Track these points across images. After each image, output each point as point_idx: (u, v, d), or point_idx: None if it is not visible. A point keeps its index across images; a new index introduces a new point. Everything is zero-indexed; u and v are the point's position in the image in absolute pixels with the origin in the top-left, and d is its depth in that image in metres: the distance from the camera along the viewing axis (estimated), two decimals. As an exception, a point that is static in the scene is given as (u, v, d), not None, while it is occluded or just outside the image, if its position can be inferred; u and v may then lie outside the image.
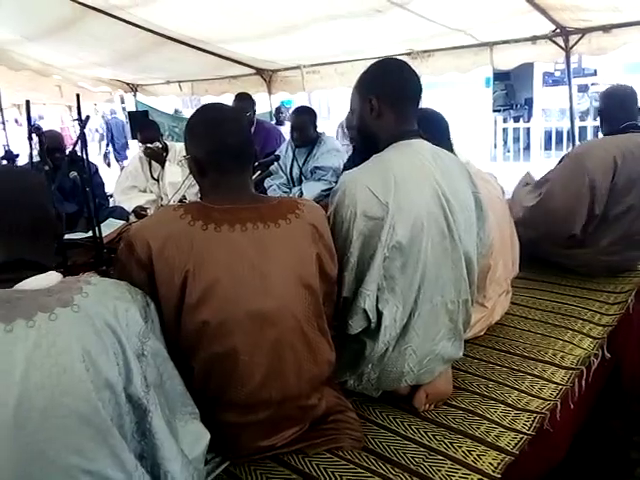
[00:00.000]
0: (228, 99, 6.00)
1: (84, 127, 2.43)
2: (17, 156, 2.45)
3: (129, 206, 3.31)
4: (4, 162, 2.47)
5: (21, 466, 0.87)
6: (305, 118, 3.19)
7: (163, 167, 3.53)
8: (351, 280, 1.41)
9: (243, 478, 1.27)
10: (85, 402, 0.91)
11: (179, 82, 6.11)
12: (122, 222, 2.94)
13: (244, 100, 3.72)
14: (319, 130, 3.32)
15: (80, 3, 4.07)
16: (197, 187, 2.83)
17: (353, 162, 2.71)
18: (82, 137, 2.52)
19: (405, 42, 4.21)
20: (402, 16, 3.58)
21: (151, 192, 3.51)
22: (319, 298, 1.29)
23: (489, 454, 1.30)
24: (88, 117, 2.42)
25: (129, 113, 6.51)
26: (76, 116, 2.42)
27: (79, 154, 2.33)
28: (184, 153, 3.54)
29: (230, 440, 1.26)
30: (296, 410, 1.30)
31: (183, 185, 3.14)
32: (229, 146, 1.24)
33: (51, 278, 1.00)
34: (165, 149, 3.54)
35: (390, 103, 1.44)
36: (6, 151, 2.39)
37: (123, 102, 9.35)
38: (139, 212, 3.28)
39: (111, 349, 0.95)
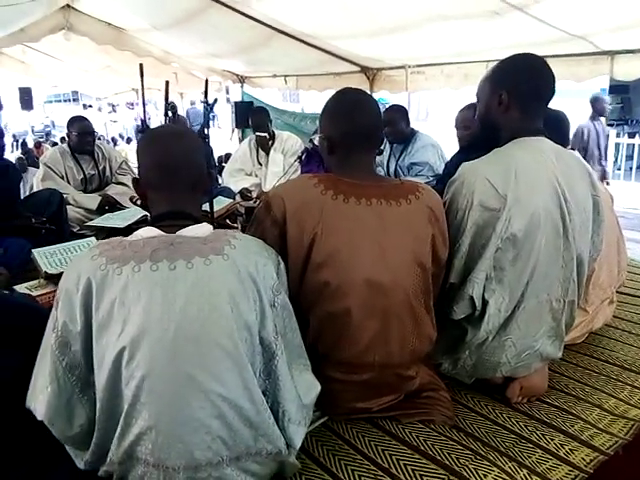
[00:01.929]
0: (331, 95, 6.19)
1: (212, 109, 2.68)
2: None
3: (236, 187, 3.56)
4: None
5: (175, 387, 1.02)
6: (395, 114, 3.26)
7: (268, 154, 3.73)
8: (460, 267, 1.47)
9: (340, 433, 1.38)
10: (228, 338, 1.05)
11: (285, 76, 6.36)
12: (230, 200, 3.17)
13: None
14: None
15: (207, -4, 4.38)
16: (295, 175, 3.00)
17: (458, 159, 2.73)
18: (207, 118, 2.77)
19: (521, 46, 4.09)
20: (520, 20, 3.52)
21: (256, 176, 3.73)
22: (429, 277, 1.37)
23: (582, 450, 1.31)
24: (216, 100, 2.66)
25: (235, 103, 6.87)
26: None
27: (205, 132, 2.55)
28: (290, 142, 3.74)
29: (332, 396, 1.36)
30: (395, 378, 1.38)
31: (285, 175, 3.34)
32: (361, 128, 1.34)
33: (205, 229, 1.16)
34: (272, 137, 3.74)
35: (520, 100, 1.46)
36: (143, 124, 2.68)
37: (228, 92, 9.86)
38: (245, 193, 3.52)
39: (251, 296, 1.08)
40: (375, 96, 6.17)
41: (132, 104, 10.63)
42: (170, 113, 2.59)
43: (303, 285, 1.29)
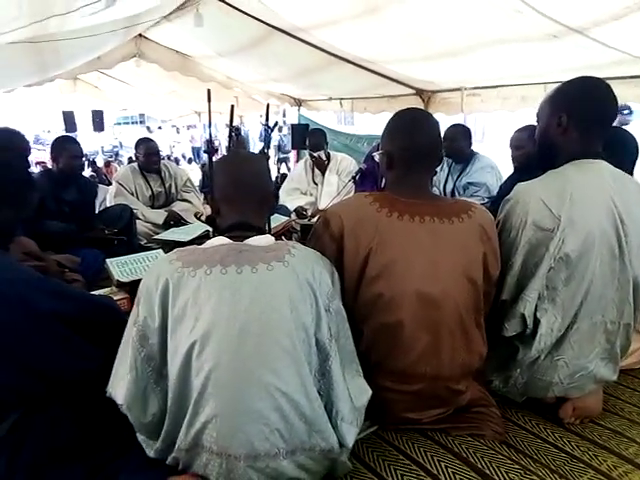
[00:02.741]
0: (385, 118, 6.28)
1: (272, 131, 2.84)
2: (217, 150, 2.91)
3: (292, 205, 3.71)
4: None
5: (238, 379, 1.12)
6: (457, 132, 3.29)
7: (324, 174, 3.85)
8: (512, 284, 1.50)
9: (389, 440, 1.43)
10: (287, 337, 1.14)
11: (340, 99, 6.52)
12: (286, 218, 3.30)
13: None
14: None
15: (270, 25, 4.61)
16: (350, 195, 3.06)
17: (512, 181, 2.74)
18: (267, 140, 2.92)
19: (581, 69, 4.06)
20: (580, 42, 3.50)
21: (311, 195, 3.86)
22: (480, 294, 1.41)
23: (636, 473, 1.30)
24: (276, 123, 2.81)
25: (292, 125, 7.09)
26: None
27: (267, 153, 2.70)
28: (345, 163, 3.84)
29: (383, 406, 1.41)
30: (445, 391, 1.42)
31: (338, 195, 3.44)
32: (420, 146, 1.41)
33: (268, 239, 1.28)
34: (328, 158, 3.86)
35: (579, 123, 1.48)
36: (209, 145, 2.87)
37: (284, 115, 10.19)
38: (300, 211, 3.65)
39: (308, 301, 1.18)
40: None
41: (188, 127, 11.16)
42: (234, 135, 2.75)
43: (358, 297, 1.37)
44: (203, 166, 5.14)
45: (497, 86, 5.03)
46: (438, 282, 1.34)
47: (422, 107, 5.76)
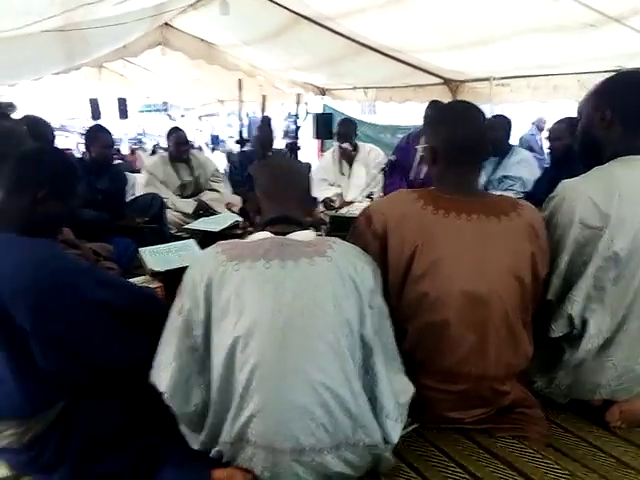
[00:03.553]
0: (411, 107, 6.20)
1: (298, 118, 2.81)
2: (248, 141, 2.91)
3: (319, 196, 3.68)
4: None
5: (282, 374, 1.12)
6: (498, 121, 3.22)
7: (351, 165, 3.82)
8: (558, 284, 1.46)
9: (431, 440, 1.41)
10: (331, 332, 1.13)
11: (365, 88, 6.44)
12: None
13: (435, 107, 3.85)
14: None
15: (296, 13, 4.56)
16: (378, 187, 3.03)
17: (549, 176, 2.68)
18: (295, 130, 2.90)
19: (615, 58, 3.95)
20: (618, 31, 3.38)
21: (339, 186, 3.83)
22: (527, 293, 1.37)
23: (690, 482, 1.26)
24: (315, 115, 2.79)
25: (316, 115, 7.04)
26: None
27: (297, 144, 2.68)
28: (373, 154, 3.80)
29: (425, 404, 1.39)
30: (489, 391, 1.39)
31: (367, 187, 3.41)
32: (464, 140, 1.38)
33: (309, 234, 1.28)
34: (355, 149, 3.82)
35: (624, 118, 1.44)
36: (241, 135, 2.86)
37: (307, 104, 10.13)
38: (328, 203, 3.63)
39: (351, 296, 1.17)
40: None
41: (211, 115, 11.14)
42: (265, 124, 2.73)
43: (402, 296, 1.34)
44: (229, 155, 5.14)
45: (527, 76, 4.91)
46: (485, 281, 1.31)
47: (449, 96, 5.67)
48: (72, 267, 1.24)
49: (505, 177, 3.12)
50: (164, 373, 1.19)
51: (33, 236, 1.25)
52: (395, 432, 1.21)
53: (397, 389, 1.25)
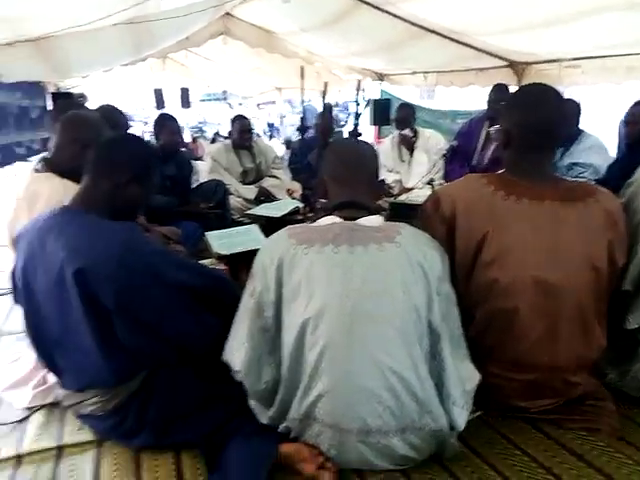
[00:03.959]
0: (473, 92, 6.01)
1: (359, 104, 2.82)
2: (309, 128, 2.94)
3: (379, 181, 3.66)
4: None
5: (351, 357, 1.14)
6: (569, 106, 3.07)
7: (411, 152, 3.77)
8: (636, 274, 1.40)
9: (496, 427, 1.39)
10: (399, 318, 1.14)
11: (425, 72, 6.31)
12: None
13: (500, 91, 3.73)
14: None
15: (357, -2, 4.52)
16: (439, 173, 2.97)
17: (623, 163, 2.55)
18: (356, 116, 2.90)
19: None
20: None
21: (397, 172, 3.79)
22: (603, 283, 1.33)
23: None
24: (369, 100, 2.78)
25: (374, 101, 6.98)
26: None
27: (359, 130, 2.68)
28: (433, 140, 3.72)
29: (490, 392, 1.38)
30: (559, 382, 1.36)
31: (429, 174, 3.36)
32: (540, 123, 1.33)
33: (378, 219, 1.28)
34: (415, 135, 3.77)
35: None
36: (303, 122, 2.89)
37: (363, 90, 10.04)
38: (387, 189, 3.60)
39: (420, 282, 1.17)
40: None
41: (268, 103, 11.22)
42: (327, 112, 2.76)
43: (470, 281, 1.33)
44: (288, 143, 5.18)
45: (600, 56, 4.65)
46: (558, 269, 1.28)
47: (515, 80, 5.46)
48: (153, 250, 1.31)
49: (574, 164, 2.98)
50: (237, 353, 1.25)
51: (115, 218, 1.33)
52: (461, 419, 1.21)
53: (463, 376, 1.24)
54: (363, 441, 1.16)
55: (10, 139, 4.27)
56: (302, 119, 2.67)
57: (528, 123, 1.34)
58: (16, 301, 1.50)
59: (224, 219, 3.16)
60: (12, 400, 1.60)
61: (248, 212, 3.22)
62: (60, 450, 1.38)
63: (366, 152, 1.37)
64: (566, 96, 6.05)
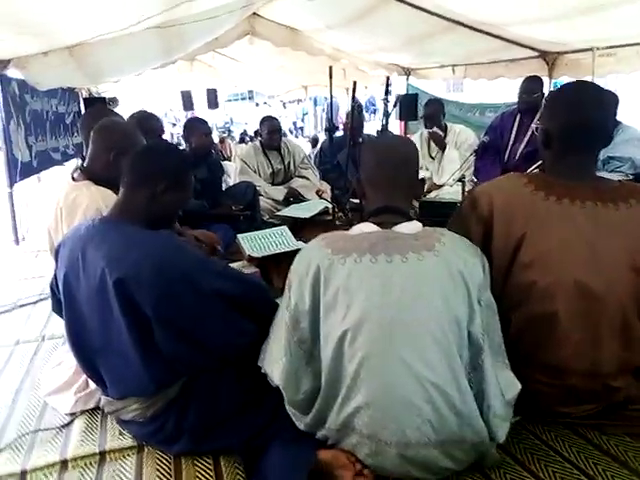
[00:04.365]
0: (502, 83, 5.89)
1: (388, 102, 2.79)
2: (337, 128, 2.93)
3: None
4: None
5: (390, 369, 1.12)
6: (609, 96, 2.98)
7: (442, 148, 3.71)
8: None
9: (537, 434, 1.37)
10: (439, 329, 1.12)
11: (453, 66, 6.21)
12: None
13: (534, 81, 3.63)
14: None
15: (382, -7, 4.47)
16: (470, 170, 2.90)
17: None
18: (386, 115, 2.88)
19: None
20: None
21: (427, 169, 3.75)
22: (646, 285, 1.28)
23: None
24: (398, 96, 2.75)
25: (400, 96, 6.90)
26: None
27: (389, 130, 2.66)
28: (463, 136, 3.66)
29: (530, 397, 1.35)
30: (600, 387, 1.32)
31: (460, 170, 3.30)
32: (583, 124, 1.28)
33: (416, 226, 1.25)
34: (445, 130, 3.72)
35: None
36: (330, 122, 2.89)
37: (390, 85, 9.94)
38: (425, 189, 3.57)
39: (460, 292, 1.14)
40: (555, 82, 5.71)
41: (295, 101, 11.20)
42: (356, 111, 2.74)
43: (508, 284, 1.30)
44: (314, 141, 5.19)
45: (636, 43, 4.48)
46: (599, 272, 1.24)
47: (545, 70, 5.32)
48: (190, 259, 1.33)
49: (611, 158, 2.88)
50: (276, 367, 1.25)
51: (154, 226, 1.35)
52: (502, 430, 1.19)
53: (504, 386, 1.21)
54: (401, 454, 1.15)
55: (47, 145, 4.39)
56: (329, 120, 2.65)
57: (570, 124, 1.29)
58: (54, 310, 1.54)
59: (254, 220, 3.18)
60: (55, 405, 1.65)
61: (278, 213, 3.24)
62: (103, 455, 1.42)
63: (405, 152, 1.31)
64: (599, 85, 5.84)
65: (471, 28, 4.86)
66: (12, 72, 3.44)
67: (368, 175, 1.31)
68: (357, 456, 1.22)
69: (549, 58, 5.23)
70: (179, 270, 1.27)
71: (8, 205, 3.60)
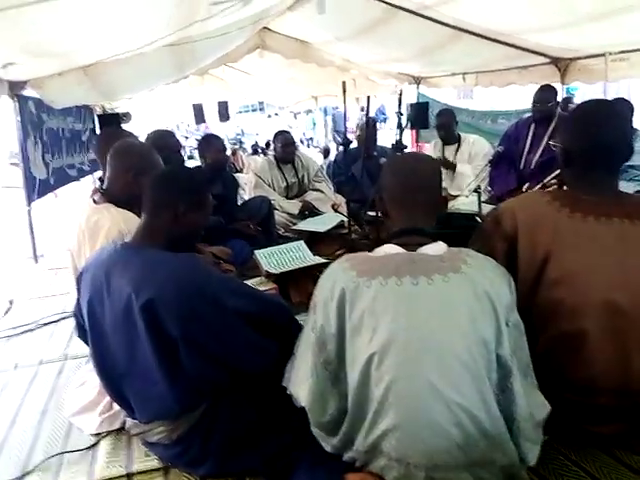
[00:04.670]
0: (513, 91, 5.87)
1: (402, 115, 2.80)
2: (351, 142, 2.95)
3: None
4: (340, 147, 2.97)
5: (418, 392, 1.11)
6: (624, 105, 2.96)
7: (453, 169, 3.69)
8: None
9: (566, 454, 1.35)
10: (467, 352, 1.10)
11: (464, 74, 6.21)
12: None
13: (548, 91, 3.62)
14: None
15: (393, 5, 4.50)
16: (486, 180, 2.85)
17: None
18: (400, 128, 2.88)
19: None
20: None
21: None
22: (677, 303, 1.26)
23: None
24: (408, 105, 2.75)
25: (411, 105, 6.92)
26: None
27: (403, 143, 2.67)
28: (478, 146, 3.64)
29: (559, 417, 1.32)
30: (630, 404, 1.30)
31: (476, 178, 3.29)
32: (602, 145, 1.28)
33: (441, 247, 1.23)
34: (458, 140, 3.71)
35: None
36: (345, 135, 2.90)
37: (400, 94, 9.96)
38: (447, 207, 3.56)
39: (487, 314, 1.13)
40: (567, 87, 5.67)
41: (299, 113, 11.21)
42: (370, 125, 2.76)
43: (534, 302, 1.29)
44: (326, 153, 5.20)
45: (650, 48, 4.45)
46: (628, 290, 1.22)
47: (558, 76, 5.30)
48: (212, 280, 1.34)
49: (630, 167, 2.86)
50: (302, 388, 1.25)
51: (177, 248, 1.37)
52: (533, 453, 1.17)
53: (533, 408, 1.20)
54: (430, 477, 1.13)
55: (63, 162, 4.46)
56: (344, 132, 2.67)
57: (590, 145, 1.29)
58: (79, 337, 1.55)
59: (270, 235, 3.19)
60: (81, 425, 1.67)
61: (294, 227, 3.24)
62: (130, 477, 1.43)
63: (429, 173, 1.30)
64: (610, 91, 5.81)
65: (482, 37, 4.86)
66: (29, 92, 3.51)
67: (391, 195, 1.30)
68: (385, 479, 1.21)
69: (561, 64, 5.21)
70: (203, 291, 1.28)
71: (27, 223, 3.65)
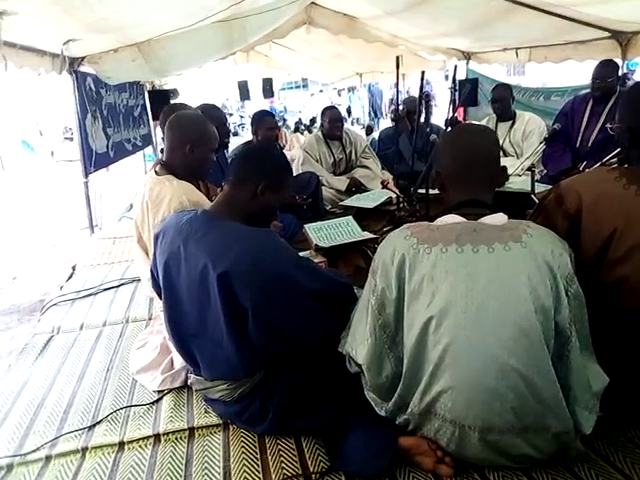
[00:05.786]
0: (569, 66, 5.63)
1: (456, 90, 2.75)
2: (402, 117, 2.92)
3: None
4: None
5: (475, 356, 1.13)
6: None
7: (508, 134, 3.61)
8: None
9: (621, 430, 1.35)
10: (526, 319, 1.12)
11: (516, 49, 5.99)
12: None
13: (609, 66, 3.46)
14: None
15: (446, -23, 4.37)
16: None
17: None
18: (453, 105, 2.83)
19: None
20: None
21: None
22: None
23: None
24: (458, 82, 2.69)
25: (460, 81, 6.74)
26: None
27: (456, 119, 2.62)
28: (533, 123, 3.51)
29: (614, 394, 1.32)
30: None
31: (530, 155, 3.21)
32: None
33: (501, 218, 1.24)
34: (513, 117, 3.62)
35: None
36: (396, 112, 2.88)
37: (447, 70, 9.72)
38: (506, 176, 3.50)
39: (547, 283, 1.13)
40: (628, 63, 5.39)
41: (339, 91, 11.05)
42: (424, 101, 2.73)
43: (596, 280, 1.28)
44: (369, 130, 5.16)
45: None
46: (695, 267, 1.20)
47: (618, 52, 5.05)
48: (287, 257, 1.38)
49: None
50: (361, 347, 1.29)
51: (252, 223, 1.40)
52: (589, 423, 1.18)
53: (591, 378, 1.20)
54: (484, 439, 1.17)
55: (121, 136, 4.62)
56: (397, 107, 2.64)
57: None
58: (154, 289, 1.63)
59: (317, 210, 3.23)
60: (144, 382, 1.78)
61: (342, 203, 3.26)
62: (192, 431, 1.52)
63: (487, 144, 1.31)
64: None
65: (537, 9, 4.68)
66: (85, 68, 3.63)
67: (449, 171, 1.31)
68: (439, 443, 1.25)
69: (622, 38, 4.95)
70: (276, 267, 1.32)
71: (84, 194, 3.81)
